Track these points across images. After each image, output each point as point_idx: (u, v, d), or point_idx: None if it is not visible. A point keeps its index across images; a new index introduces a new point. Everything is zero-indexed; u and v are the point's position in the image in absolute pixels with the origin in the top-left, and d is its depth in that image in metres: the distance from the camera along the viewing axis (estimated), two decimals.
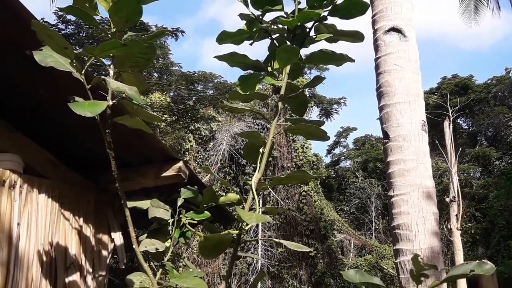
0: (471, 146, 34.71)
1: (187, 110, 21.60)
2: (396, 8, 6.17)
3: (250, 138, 2.36)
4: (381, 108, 6.10)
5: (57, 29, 16.44)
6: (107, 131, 2.08)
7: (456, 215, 16.59)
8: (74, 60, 1.98)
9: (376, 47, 6.27)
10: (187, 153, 23.84)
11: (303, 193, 24.25)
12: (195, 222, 3.10)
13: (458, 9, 18.61)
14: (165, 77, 21.25)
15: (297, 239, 22.63)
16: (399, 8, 6.17)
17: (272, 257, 23.11)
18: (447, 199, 17.19)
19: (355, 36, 2.39)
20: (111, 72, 2.08)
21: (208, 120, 23.97)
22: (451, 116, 18.65)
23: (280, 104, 2.36)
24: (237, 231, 2.31)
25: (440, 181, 27.58)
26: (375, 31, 6.32)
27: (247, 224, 2.26)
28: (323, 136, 2.32)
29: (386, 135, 6.01)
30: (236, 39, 2.38)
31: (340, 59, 2.27)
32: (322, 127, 2.35)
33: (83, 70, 1.95)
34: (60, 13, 17.66)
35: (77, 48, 17.57)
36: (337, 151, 42.82)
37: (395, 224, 5.73)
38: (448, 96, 23.56)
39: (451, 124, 17.81)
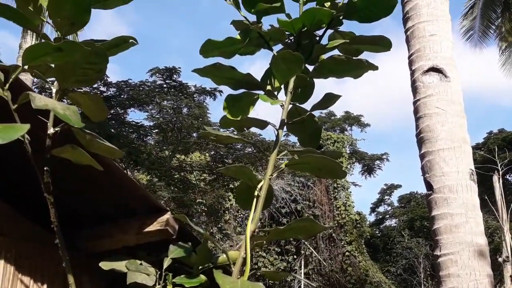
0: None
1: None
2: (435, 46, 5.64)
3: (240, 176, 1.78)
4: (422, 156, 5.49)
5: (98, 92, 16.33)
6: (45, 168, 1.54)
7: (510, 276, 15.64)
8: None
9: (414, 89, 5.71)
10: (227, 212, 23.62)
11: (347, 253, 23.52)
12: None
13: (498, 61, 18.18)
14: None
15: None
16: (438, 46, 5.63)
17: None
18: (500, 259, 16.24)
19: (380, 44, 1.82)
20: (54, 90, 1.57)
21: None
22: (500, 170, 17.72)
23: (280, 132, 1.78)
24: None
25: (491, 240, 26.15)
26: (412, 72, 5.78)
27: None
28: (338, 172, 1.70)
29: (429, 186, 5.36)
30: (225, 50, 1.83)
31: (358, 67, 1.69)
32: (339, 160, 1.75)
33: (7, 85, 1.43)
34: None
35: (119, 110, 17.52)
36: (381, 209, 41.76)
37: None
38: (496, 150, 22.57)
39: (500, 179, 16.95)
